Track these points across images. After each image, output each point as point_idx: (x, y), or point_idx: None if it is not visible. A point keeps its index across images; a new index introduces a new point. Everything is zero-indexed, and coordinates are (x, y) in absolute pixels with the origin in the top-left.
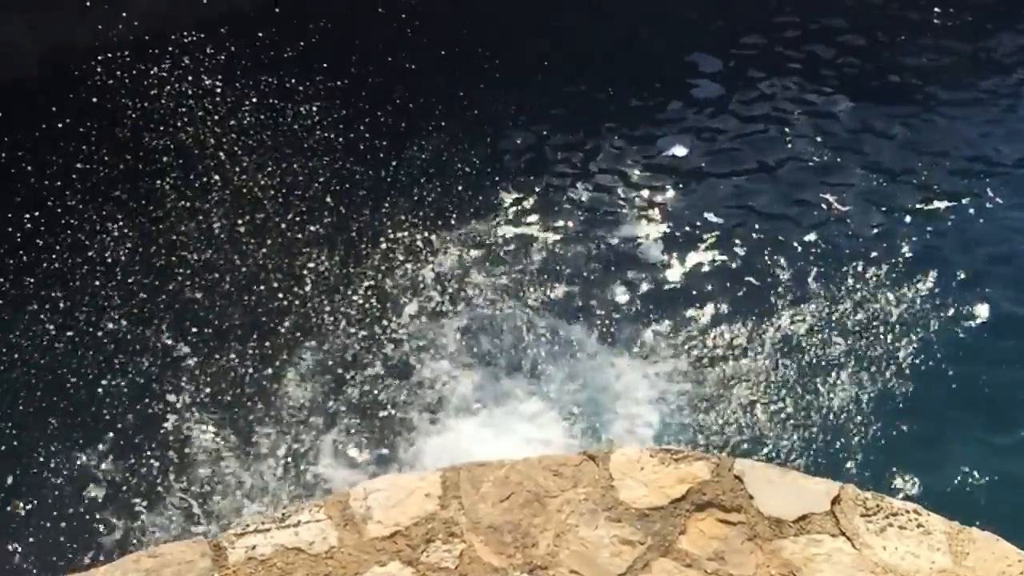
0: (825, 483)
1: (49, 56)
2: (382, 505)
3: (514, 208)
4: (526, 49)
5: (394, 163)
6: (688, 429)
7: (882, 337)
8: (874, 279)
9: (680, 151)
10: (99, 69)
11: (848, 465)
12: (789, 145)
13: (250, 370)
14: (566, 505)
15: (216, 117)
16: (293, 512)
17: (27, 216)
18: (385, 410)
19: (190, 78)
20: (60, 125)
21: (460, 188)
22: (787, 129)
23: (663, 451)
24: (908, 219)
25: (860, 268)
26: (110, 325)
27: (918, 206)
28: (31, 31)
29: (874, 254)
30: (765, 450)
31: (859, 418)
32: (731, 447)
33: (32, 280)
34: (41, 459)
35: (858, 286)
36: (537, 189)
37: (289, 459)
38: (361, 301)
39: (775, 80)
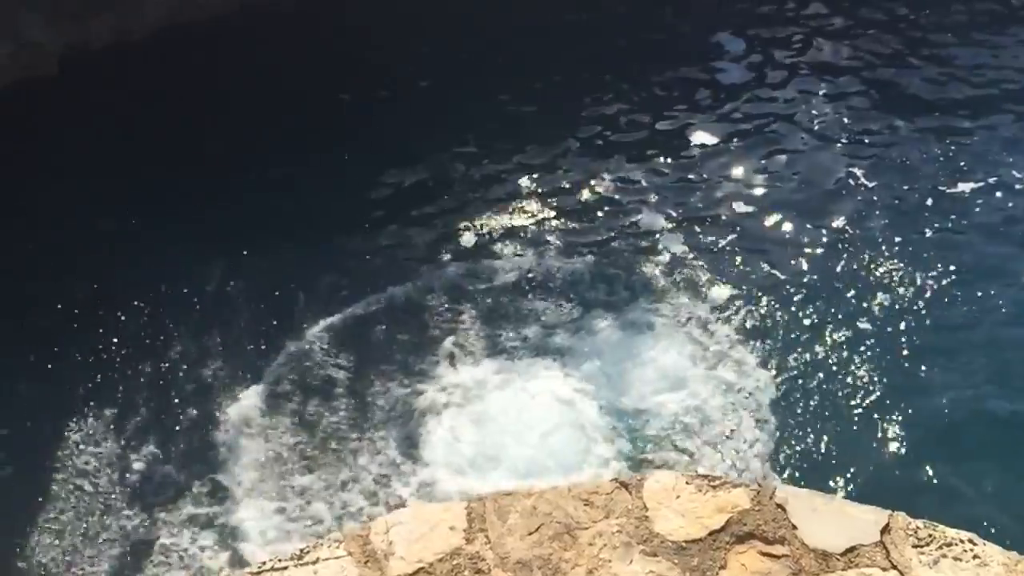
0: (873, 511)
1: None
2: (405, 539)
3: (537, 198)
4: (548, 36)
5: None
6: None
7: (913, 335)
8: (905, 268)
9: (706, 141)
10: None
11: (896, 490)
12: (816, 126)
13: None
14: (598, 538)
15: None
16: (312, 548)
17: None
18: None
19: None
20: None
21: (483, 179)
22: (814, 112)
23: (700, 478)
24: (933, 200)
25: (892, 257)
26: None
27: (942, 187)
28: None
29: (900, 238)
30: (800, 467)
31: (905, 434)
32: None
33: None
34: None
35: (889, 276)
36: (560, 179)
37: None
38: None
39: (800, 59)
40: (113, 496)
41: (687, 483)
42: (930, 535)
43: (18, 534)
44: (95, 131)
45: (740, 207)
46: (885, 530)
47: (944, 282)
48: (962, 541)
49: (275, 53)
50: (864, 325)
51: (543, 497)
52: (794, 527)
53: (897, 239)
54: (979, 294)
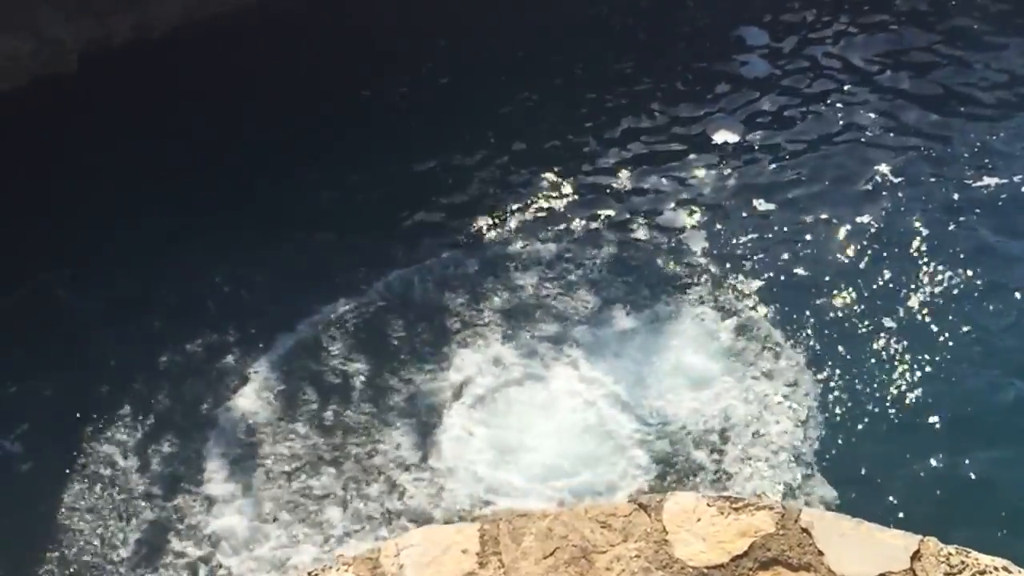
0: (903, 536)
1: None
2: (416, 563)
3: (557, 193)
4: (569, 30)
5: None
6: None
7: (944, 336)
8: (935, 266)
9: (729, 137)
10: None
11: (927, 513)
12: (841, 121)
13: None
14: (616, 562)
15: None
16: (320, 571)
17: None
18: None
19: None
20: None
21: (503, 174)
22: (839, 104)
23: (721, 499)
24: (961, 197)
25: (921, 254)
26: None
27: (967, 181)
28: None
29: (928, 232)
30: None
31: (936, 452)
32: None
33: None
34: None
35: (919, 274)
36: (581, 174)
37: None
38: None
39: (824, 52)
40: (125, 493)
41: (708, 505)
42: (963, 562)
43: (34, 524)
44: (114, 128)
45: (763, 204)
46: (916, 556)
47: (974, 280)
48: (996, 569)
49: (295, 50)
50: (892, 324)
51: (559, 519)
52: (820, 553)
53: (926, 235)
54: (1012, 293)
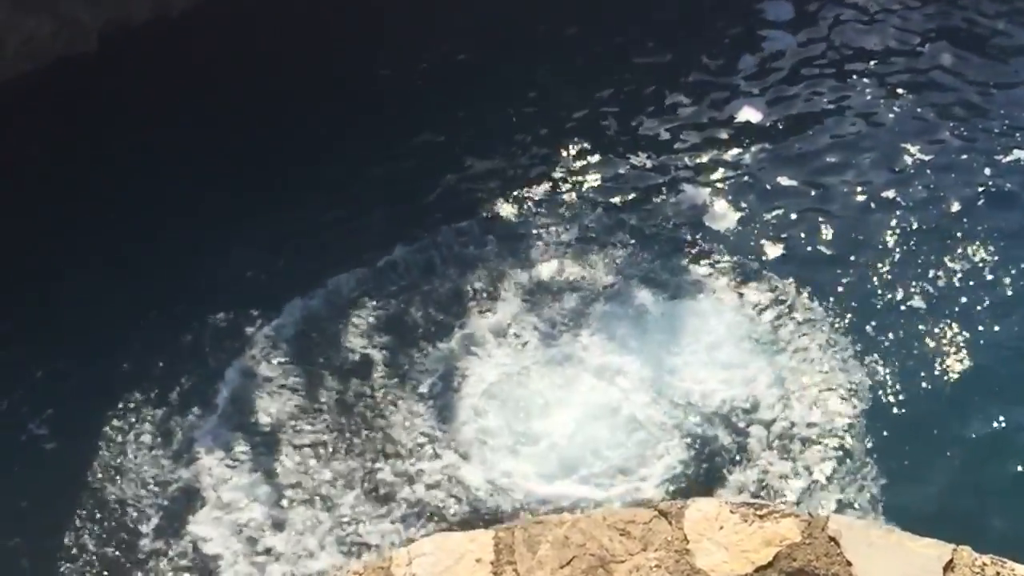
0: (935, 545)
1: None
2: (428, 572)
3: (577, 170)
4: (588, 6)
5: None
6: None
7: (974, 313)
8: (966, 241)
9: (753, 113)
10: None
11: (962, 521)
12: (868, 96)
13: None
14: (635, 572)
15: None
16: None
17: None
18: None
19: None
20: None
21: (521, 151)
22: (866, 80)
23: (745, 506)
24: (991, 171)
25: (951, 228)
26: None
27: (998, 156)
28: None
29: (958, 207)
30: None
31: (969, 455)
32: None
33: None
34: None
35: (950, 248)
36: (601, 151)
37: None
38: None
39: (851, 26)
40: (145, 473)
41: (731, 512)
42: (998, 573)
43: (59, 502)
44: (135, 108)
45: (787, 180)
46: (948, 567)
47: (1008, 258)
48: None
49: (313, 27)
50: (923, 303)
51: (576, 526)
52: (848, 563)
53: (957, 211)
54: None
